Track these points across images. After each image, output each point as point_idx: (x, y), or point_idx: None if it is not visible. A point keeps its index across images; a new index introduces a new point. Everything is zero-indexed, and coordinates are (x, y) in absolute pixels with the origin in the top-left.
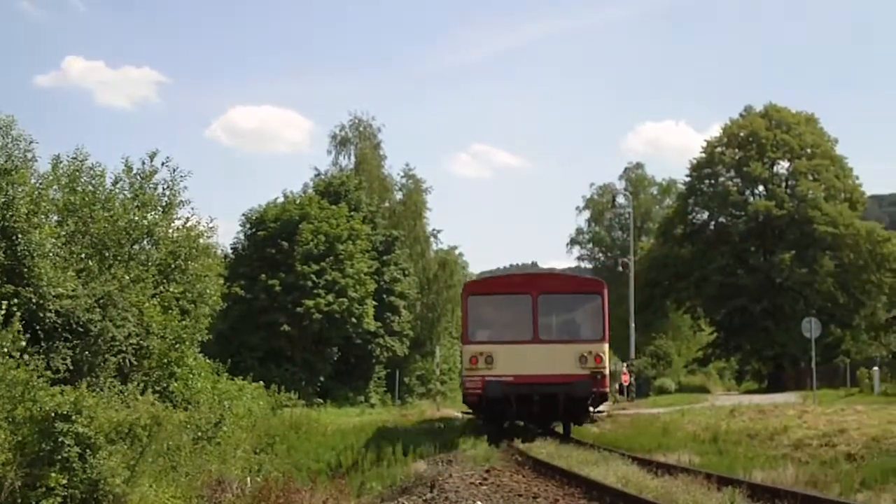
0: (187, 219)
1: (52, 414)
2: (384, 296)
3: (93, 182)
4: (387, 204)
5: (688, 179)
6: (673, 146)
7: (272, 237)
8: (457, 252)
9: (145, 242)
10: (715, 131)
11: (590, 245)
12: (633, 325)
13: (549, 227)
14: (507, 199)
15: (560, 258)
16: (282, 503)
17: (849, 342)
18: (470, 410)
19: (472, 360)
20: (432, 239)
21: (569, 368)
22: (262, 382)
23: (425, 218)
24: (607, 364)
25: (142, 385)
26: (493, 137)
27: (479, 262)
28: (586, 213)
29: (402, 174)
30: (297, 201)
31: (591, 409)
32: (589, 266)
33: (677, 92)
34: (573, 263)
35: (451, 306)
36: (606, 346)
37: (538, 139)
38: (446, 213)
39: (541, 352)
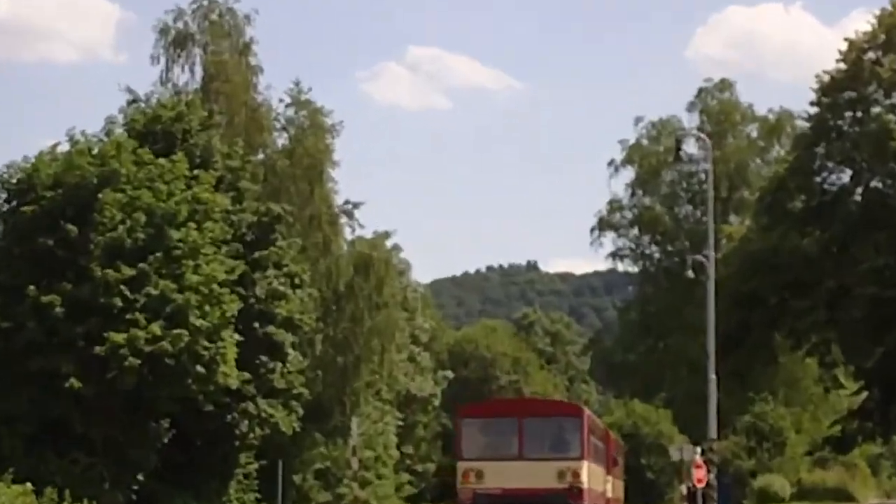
0: None
1: None
2: (256, 325)
3: None
4: (261, 155)
5: (813, 111)
6: (781, 49)
7: (48, 216)
8: (389, 244)
9: None
10: (860, 23)
11: (633, 230)
12: (712, 376)
13: (559, 197)
14: (479, 146)
15: (578, 254)
16: None
17: None
18: None
19: (465, 475)
20: (345, 220)
21: (549, 482)
22: (29, 484)
23: (331, 183)
24: (585, 479)
25: None
26: (449, 35)
27: (434, 263)
28: (626, 174)
29: (288, 100)
30: (95, 151)
31: None
32: (633, 269)
33: None
34: (601, 265)
35: (380, 342)
36: (585, 463)
37: (533, 40)
38: (370, 174)
39: (525, 467)
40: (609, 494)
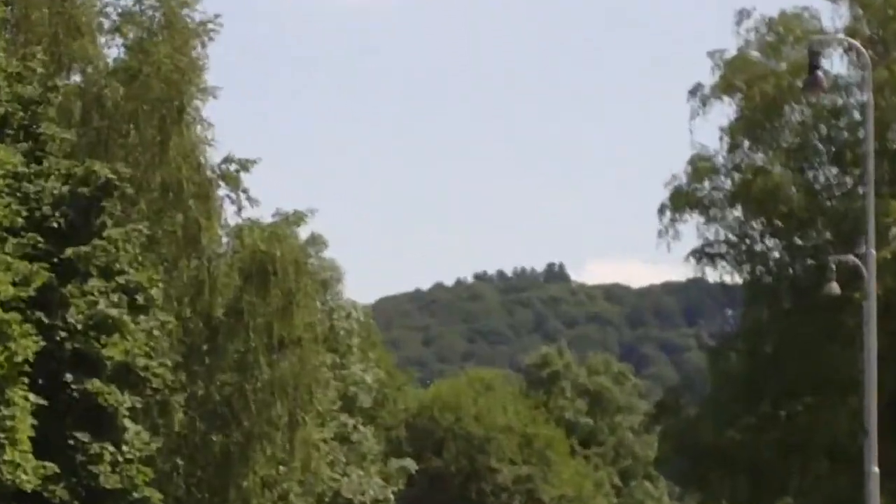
0: None
1: None
2: (67, 377)
3: None
4: (78, 77)
5: None
6: None
7: None
8: (304, 235)
9: None
10: None
11: (733, 210)
12: (874, 469)
13: (602, 153)
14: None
15: (635, 254)
16: None
17: None
18: None
19: None
20: (225, 192)
21: None
22: None
23: (201, 127)
24: None
25: None
26: None
27: (385, 270)
28: (721, 111)
29: None
30: None
31: None
32: (734, 279)
33: None
34: (676, 272)
35: (286, 408)
36: None
37: None
38: (272, 115)
39: None
40: None
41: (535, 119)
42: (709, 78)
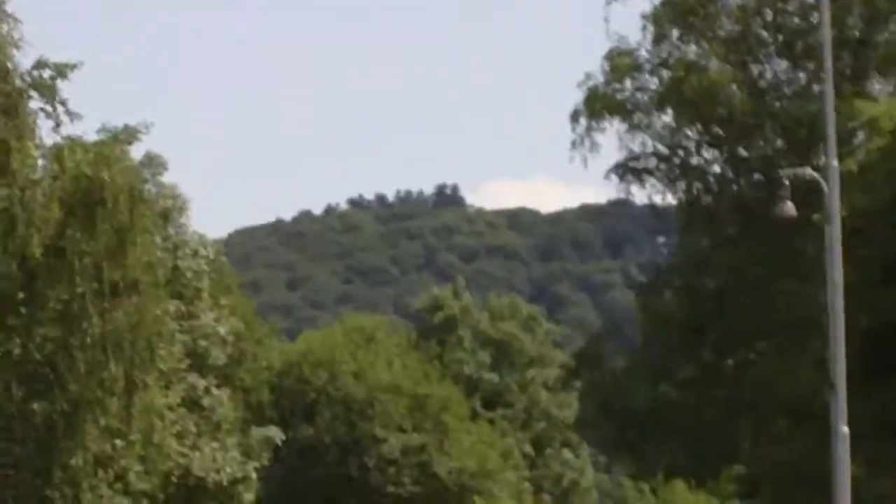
0: None
1: None
2: None
3: None
4: None
5: None
6: None
7: None
8: (139, 155)
9: None
10: None
11: (661, 115)
12: (843, 428)
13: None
14: None
15: (545, 172)
16: None
17: None
18: None
19: None
20: (39, 104)
21: None
22: None
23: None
24: None
25: None
26: None
27: (238, 199)
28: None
29: None
30: None
31: None
32: (665, 200)
33: None
34: (595, 192)
35: (122, 368)
36: None
37: None
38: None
39: None
40: None
41: (420, 10)
42: None
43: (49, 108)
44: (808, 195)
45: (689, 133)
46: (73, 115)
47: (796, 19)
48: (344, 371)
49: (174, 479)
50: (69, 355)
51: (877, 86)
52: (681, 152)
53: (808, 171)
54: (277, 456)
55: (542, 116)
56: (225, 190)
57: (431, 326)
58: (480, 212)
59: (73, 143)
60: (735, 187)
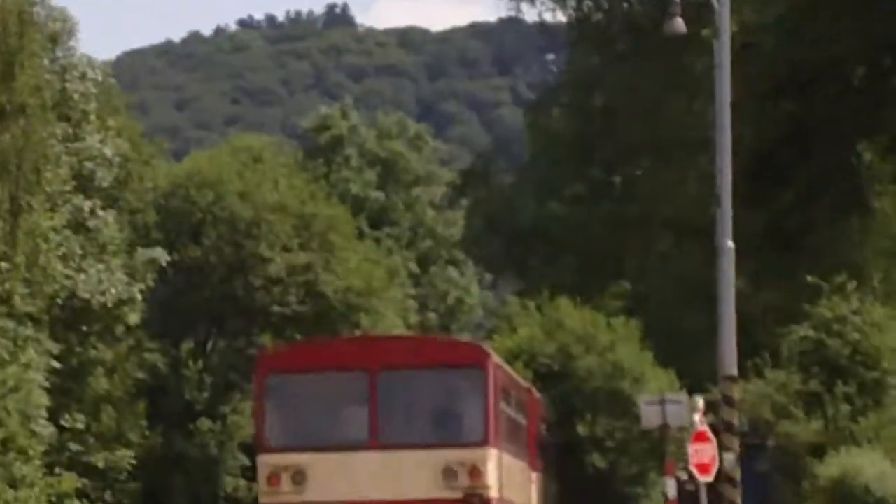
0: None
1: None
2: None
3: None
4: None
5: None
6: None
7: None
8: None
9: None
10: None
11: None
12: (728, 243)
13: None
14: None
15: None
16: None
17: None
18: None
19: (272, 478)
20: None
21: (426, 490)
22: None
23: None
24: (493, 481)
25: None
26: None
27: (130, 19)
28: None
29: None
30: None
31: None
32: (556, 16)
33: None
34: (485, 12)
35: (6, 190)
36: (492, 452)
37: None
38: None
39: (382, 463)
40: None
41: None
42: None
43: None
44: (699, 11)
45: None
46: None
47: None
48: (230, 191)
49: (59, 302)
50: None
51: None
52: None
53: None
54: (163, 277)
55: None
56: (114, 11)
57: (318, 146)
58: (371, 31)
59: None
60: (626, 4)
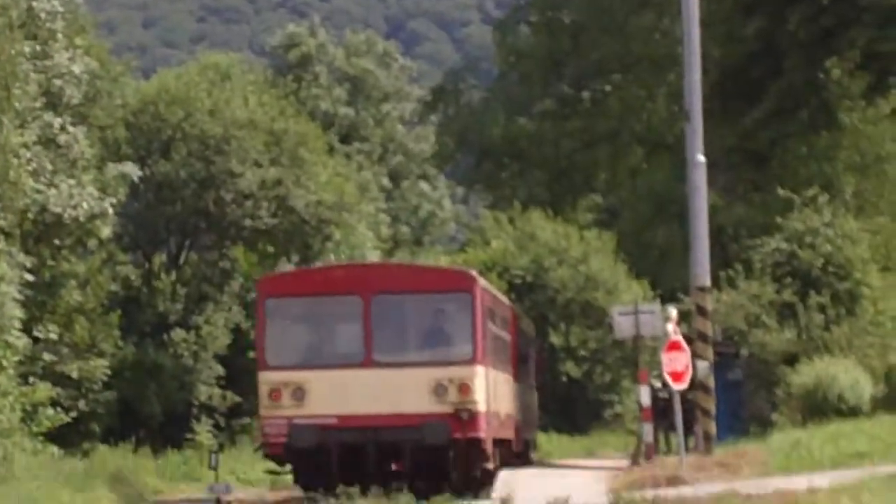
0: None
1: None
2: None
3: None
4: None
5: None
6: None
7: None
8: None
9: None
10: None
11: None
12: (699, 157)
13: None
14: None
15: None
16: None
17: None
18: (277, 469)
19: (274, 393)
20: None
21: (418, 404)
22: None
23: None
24: (480, 396)
25: None
26: None
27: None
28: None
29: None
30: None
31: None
32: None
33: None
34: None
35: None
36: (479, 369)
37: None
38: None
39: (377, 380)
40: (517, 415)
41: None
42: None
43: None
44: None
45: None
46: None
47: None
48: (199, 108)
49: (31, 216)
50: None
51: None
52: None
53: None
54: (135, 192)
55: None
56: None
57: (288, 64)
58: None
59: None
60: None
